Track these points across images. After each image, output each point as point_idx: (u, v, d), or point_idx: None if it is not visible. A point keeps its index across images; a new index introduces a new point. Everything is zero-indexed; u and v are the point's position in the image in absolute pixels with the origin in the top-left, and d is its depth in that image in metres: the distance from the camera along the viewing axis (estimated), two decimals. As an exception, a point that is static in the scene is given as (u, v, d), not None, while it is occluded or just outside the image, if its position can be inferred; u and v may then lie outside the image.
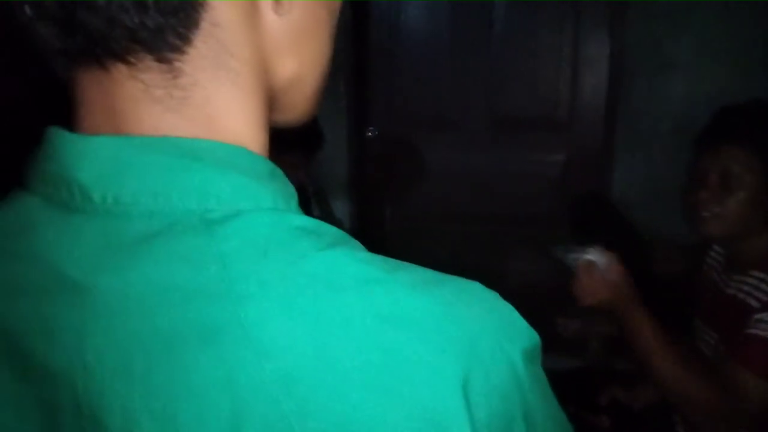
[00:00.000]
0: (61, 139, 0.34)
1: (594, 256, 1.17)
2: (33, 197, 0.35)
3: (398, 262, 0.34)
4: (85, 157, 0.33)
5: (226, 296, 0.29)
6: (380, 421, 0.28)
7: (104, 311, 0.30)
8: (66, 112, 0.36)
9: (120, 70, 0.33)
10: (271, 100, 0.38)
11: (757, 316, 1.10)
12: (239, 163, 0.34)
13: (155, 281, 0.30)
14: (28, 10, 0.32)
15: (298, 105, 0.41)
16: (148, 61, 0.33)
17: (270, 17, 0.36)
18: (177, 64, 0.33)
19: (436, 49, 2.41)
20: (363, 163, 2.56)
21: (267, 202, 0.33)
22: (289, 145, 1.83)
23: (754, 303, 1.13)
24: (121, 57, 0.32)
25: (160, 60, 0.33)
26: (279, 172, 0.36)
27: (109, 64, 0.33)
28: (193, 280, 0.30)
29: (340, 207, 2.49)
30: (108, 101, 0.34)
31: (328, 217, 2.47)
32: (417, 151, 2.48)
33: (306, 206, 2.03)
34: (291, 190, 0.36)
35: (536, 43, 2.31)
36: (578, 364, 1.75)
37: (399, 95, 2.48)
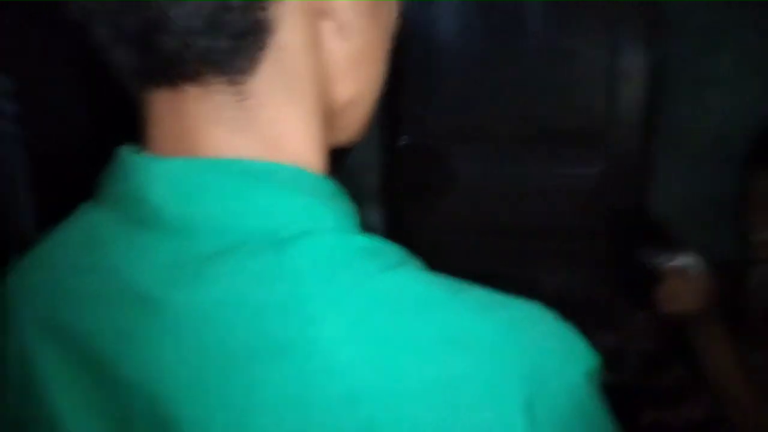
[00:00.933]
0: (134, 161, 0.35)
1: (686, 260, 1.13)
2: (105, 213, 0.36)
3: (460, 282, 0.35)
4: (157, 179, 0.34)
5: (298, 314, 0.31)
6: None
7: (177, 325, 0.31)
8: (134, 132, 0.37)
9: (191, 92, 0.34)
10: (329, 121, 0.40)
11: None
12: (303, 183, 0.35)
13: (227, 297, 0.31)
14: (105, 31, 0.33)
15: (353, 125, 0.43)
16: (218, 83, 0.34)
17: (332, 41, 0.38)
18: (245, 86, 0.34)
19: (470, 58, 2.40)
20: (394, 172, 2.56)
21: (331, 221, 0.35)
22: None
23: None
24: (193, 78, 0.34)
25: (230, 82, 0.34)
26: (340, 191, 0.38)
27: (181, 85, 0.34)
28: (265, 297, 0.31)
29: (371, 217, 2.50)
30: (178, 122, 0.35)
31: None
32: (449, 161, 2.48)
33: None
34: (352, 208, 0.38)
35: (572, 54, 2.29)
36: (616, 379, 1.72)
37: (432, 105, 2.48)
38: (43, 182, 1.45)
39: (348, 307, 0.31)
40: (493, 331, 0.32)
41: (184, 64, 0.33)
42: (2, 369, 0.37)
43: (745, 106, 1.98)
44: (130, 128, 0.36)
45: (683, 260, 1.13)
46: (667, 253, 1.13)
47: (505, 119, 2.39)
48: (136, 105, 0.36)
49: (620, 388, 1.69)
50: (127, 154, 0.36)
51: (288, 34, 0.34)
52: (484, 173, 2.41)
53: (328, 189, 0.37)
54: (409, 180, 2.55)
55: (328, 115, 0.39)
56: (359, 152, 2.37)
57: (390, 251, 0.35)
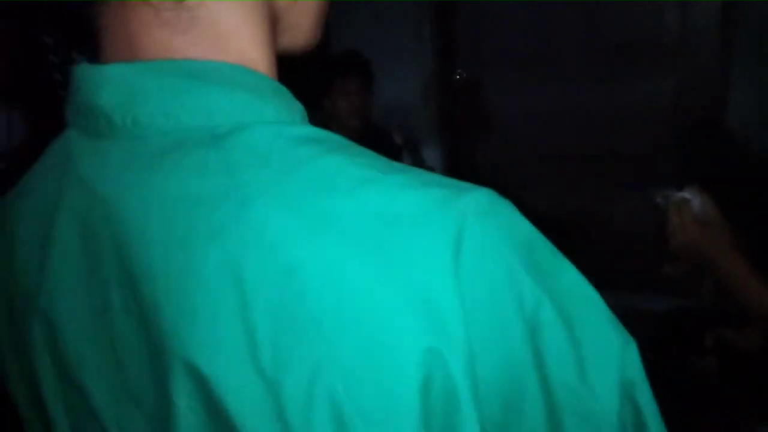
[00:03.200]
0: (83, 70, 0.37)
1: (687, 195, 1.10)
2: (71, 130, 0.39)
3: (401, 165, 0.35)
4: (103, 85, 0.36)
5: (232, 200, 0.32)
6: (376, 304, 0.31)
7: (131, 221, 0.35)
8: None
9: None
10: (274, 20, 0.40)
11: None
12: (244, 81, 0.37)
13: (170, 190, 0.34)
14: None
15: (302, 26, 0.43)
16: None
17: None
18: None
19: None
20: (452, 107, 2.50)
21: (270, 116, 0.36)
22: (344, 75, 1.88)
23: None
24: None
25: None
26: (284, 89, 0.39)
27: None
28: (203, 188, 0.33)
29: (431, 154, 2.46)
30: (124, 28, 0.37)
31: (419, 165, 2.45)
32: (507, 92, 2.38)
33: (396, 156, 2.01)
34: (297, 105, 0.39)
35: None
36: (686, 304, 1.66)
37: (488, 32, 2.38)
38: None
39: (281, 189, 0.32)
40: (422, 205, 0.32)
41: None
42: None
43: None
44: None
45: (685, 194, 1.08)
46: (673, 191, 1.09)
47: (565, 39, 2.26)
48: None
49: (689, 311, 1.64)
50: (79, 67, 0.38)
51: None
52: (548, 99, 2.31)
53: (270, 86, 0.38)
54: (468, 114, 2.48)
55: (273, 13, 0.40)
56: (415, 89, 2.32)
57: (328, 138, 0.36)
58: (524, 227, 0.34)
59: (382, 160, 0.35)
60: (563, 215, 2.31)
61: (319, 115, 1.91)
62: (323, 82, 1.86)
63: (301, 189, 0.32)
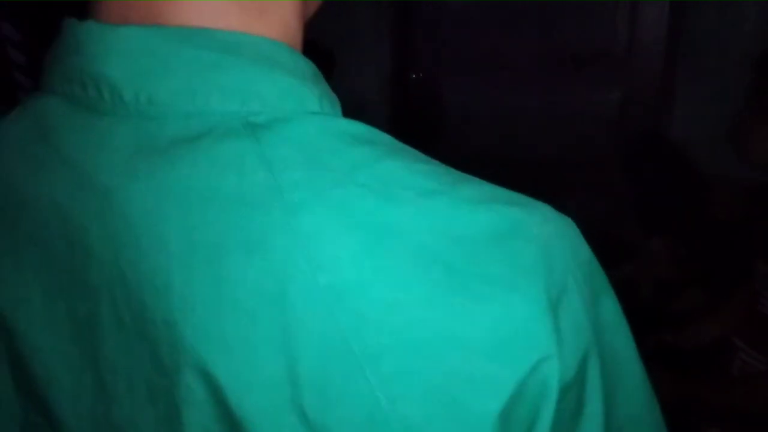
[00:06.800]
0: (86, 30, 0.30)
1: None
2: (54, 98, 0.31)
3: (463, 175, 0.31)
4: (114, 50, 0.29)
5: (276, 204, 0.27)
6: (451, 339, 0.26)
7: (138, 219, 0.28)
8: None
9: None
10: None
11: None
12: (284, 61, 0.30)
13: (195, 187, 0.27)
14: None
15: None
16: None
17: None
18: None
19: (483, -18, 2.29)
20: (407, 106, 2.50)
21: (314, 105, 0.30)
22: None
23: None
24: None
25: None
26: (321, 74, 0.32)
27: None
28: (238, 187, 0.27)
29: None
30: None
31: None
32: (460, 93, 2.41)
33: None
34: (334, 95, 0.33)
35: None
36: (629, 307, 1.71)
37: (445, 35, 2.39)
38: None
39: (333, 196, 0.27)
40: (495, 227, 0.28)
41: None
42: None
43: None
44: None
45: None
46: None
47: (520, 46, 2.30)
48: None
49: (630, 312, 1.69)
50: (77, 25, 0.30)
51: None
52: (500, 103, 2.34)
53: (310, 70, 0.32)
54: (419, 114, 2.49)
55: None
56: (371, 88, 2.31)
57: (381, 140, 0.30)
58: (586, 251, 0.31)
59: (442, 168, 0.31)
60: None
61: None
62: None
63: (357, 197, 0.27)
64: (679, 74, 2.11)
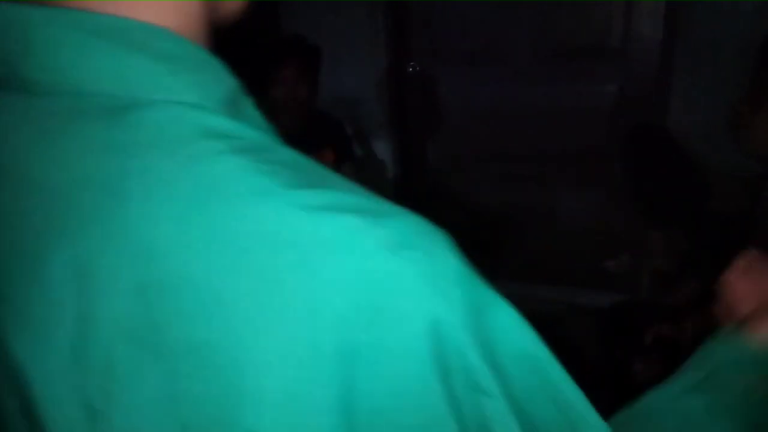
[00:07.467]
0: None
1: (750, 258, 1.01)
2: None
3: (320, 177, 0.30)
4: (14, 26, 0.30)
5: (115, 193, 0.28)
6: (261, 353, 0.26)
7: (33, 201, 0.29)
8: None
9: None
10: None
11: None
12: (160, 47, 0.31)
13: (66, 169, 0.29)
14: None
15: None
16: None
17: None
18: None
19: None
20: (404, 101, 2.49)
21: (184, 94, 0.31)
22: (281, 61, 1.70)
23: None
24: None
25: None
26: (214, 63, 0.33)
27: None
28: (90, 170, 0.28)
29: (382, 147, 2.45)
30: None
31: (369, 157, 2.44)
32: (458, 87, 2.40)
33: (347, 145, 1.99)
34: (226, 84, 0.33)
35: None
36: (626, 298, 1.70)
37: (440, 29, 2.38)
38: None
39: (167, 190, 0.28)
40: (322, 235, 0.27)
41: None
42: None
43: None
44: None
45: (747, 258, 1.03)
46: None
47: (516, 40, 2.29)
48: None
49: (628, 306, 1.69)
50: None
51: None
52: (496, 97, 2.33)
53: (197, 57, 0.32)
54: (418, 109, 2.48)
55: None
56: (367, 82, 2.30)
57: (243, 136, 0.30)
58: (454, 262, 0.30)
59: (296, 170, 0.30)
60: (509, 212, 2.34)
61: (267, 102, 1.83)
62: (266, 67, 1.73)
63: (189, 192, 0.28)
64: (676, 66, 2.10)
